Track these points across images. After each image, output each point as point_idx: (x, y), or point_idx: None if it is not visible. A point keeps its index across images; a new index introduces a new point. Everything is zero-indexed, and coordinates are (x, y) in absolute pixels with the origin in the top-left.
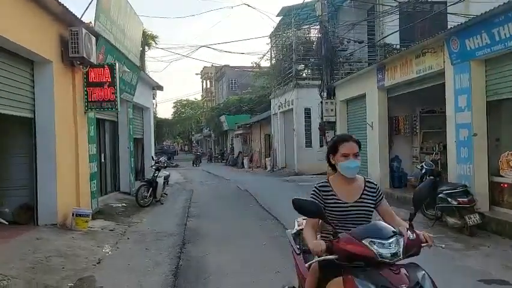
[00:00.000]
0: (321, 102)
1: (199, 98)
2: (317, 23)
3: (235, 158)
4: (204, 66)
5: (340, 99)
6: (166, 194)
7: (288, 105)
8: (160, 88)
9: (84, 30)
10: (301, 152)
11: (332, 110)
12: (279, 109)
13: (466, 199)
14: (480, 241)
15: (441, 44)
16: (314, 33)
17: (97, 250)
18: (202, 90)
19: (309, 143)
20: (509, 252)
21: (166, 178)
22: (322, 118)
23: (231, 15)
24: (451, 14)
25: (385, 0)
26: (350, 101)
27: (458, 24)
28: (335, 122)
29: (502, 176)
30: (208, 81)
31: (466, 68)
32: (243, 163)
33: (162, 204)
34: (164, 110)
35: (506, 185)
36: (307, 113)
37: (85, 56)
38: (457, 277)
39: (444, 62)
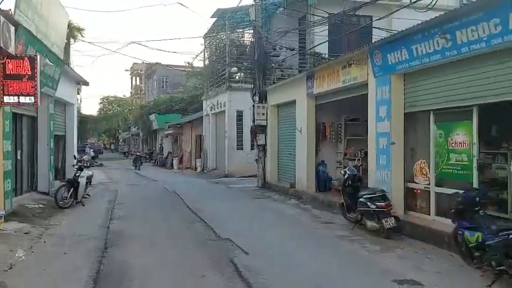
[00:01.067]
0: (253, 105)
1: (128, 95)
2: (251, 28)
3: (164, 158)
4: (134, 63)
5: (271, 104)
6: (89, 195)
7: (221, 107)
8: (86, 83)
9: (2, 18)
10: (233, 154)
11: (263, 114)
12: (211, 110)
13: (383, 203)
14: (395, 243)
15: (365, 57)
16: (248, 37)
17: (9, 254)
18: (131, 87)
19: (240, 146)
20: (420, 254)
21: (89, 178)
22: (254, 121)
23: (165, 13)
24: (375, 28)
25: (316, 10)
26: (281, 106)
27: (381, 39)
28: (266, 126)
29: (415, 183)
30: (137, 78)
31: (387, 81)
32: (172, 164)
33: (84, 205)
34: (91, 106)
35: (419, 191)
36: (240, 115)
37: (1, 45)
38: (373, 277)
39: (368, 74)
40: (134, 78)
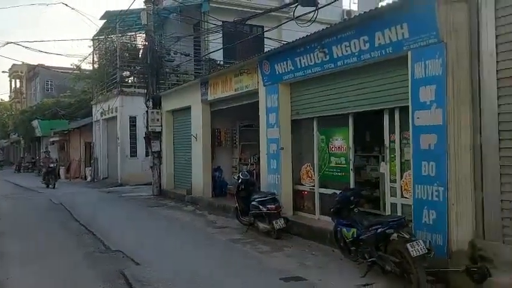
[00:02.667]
0: (147, 111)
1: (6, 99)
2: (143, 31)
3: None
4: (13, 64)
5: (166, 110)
6: None
7: (112, 113)
8: None
9: None
10: (126, 162)
11: (157, 119)
12: (102, 116)
13: (273, 206)
14: (284, 243)
15: (255, 66)
16: (141, 40)
17: None
18: (11, 90)
19: (134, 153)
20: (306, 252)
21: None
22: (148, 128)
23: (48, 12)
24: (266, 38)
25: (209, 18)
26: (176, 111)
27: (269, 50)
28: (161, 132)
29: (302, 185)
30: (18, 80)
31: (275, 90)
32: (59, 173)
33: None
34: None
35: (306, 193)
36: (133, 121)
37: None
38: (262, 277)
39: (258, 82)
40: (14, 80)
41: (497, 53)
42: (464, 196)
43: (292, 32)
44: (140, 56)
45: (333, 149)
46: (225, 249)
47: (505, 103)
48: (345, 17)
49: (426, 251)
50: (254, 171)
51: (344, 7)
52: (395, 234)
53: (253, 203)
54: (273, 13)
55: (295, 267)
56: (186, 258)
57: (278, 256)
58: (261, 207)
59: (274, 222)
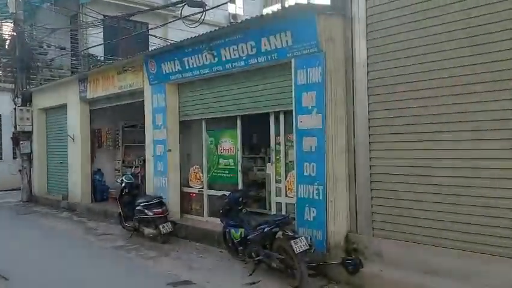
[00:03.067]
0: (15, 109)
1: None
2: (11, 20)
3: None
4: None
5: (39, 107)
6: None
7: None
8: None
9: None
10: None
11: (28, 118)
12: None
13: (160, 210)
14: (171, 247)
15: (141, 64)
16: (8, 30)
17: None
18: None
19: None
20: (194, 254)
21: None
22: (16, 127)
23: None
24: (151, 35)
25: (89, 10)
26: (50, 110)
27: (155, 48)
28: (31, 132)
29: (191, 187)
30: None
31: (162, 90)
32: None
33: None
34: None
35: (194, 195)
36: None
37: None
38: (149, 283)
39: (143, 81)
40: None
41: (368, 64)
42: (341, 194)
43: (178, 32)
44: (7, 47)
45: (221, 150)
46: (107, 257)
47: (374, 110)
48: (231, 20)
49: (308, 247)
50: (139, 174)
51: (230, 11)
52: (280, 232)
53: (138, 207)
54: (158, 11)
55: (183, 271)
56: (64, 270)
57: (165, 261)
58: (146, 211)
59: (160, 226)
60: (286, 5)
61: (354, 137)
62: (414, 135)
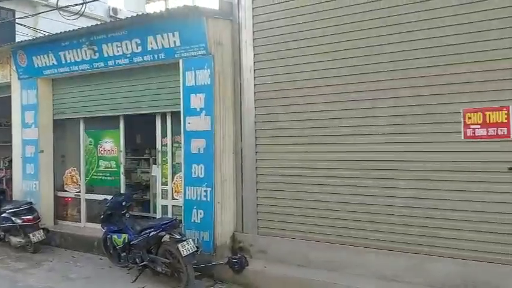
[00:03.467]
0: None
1: None
2: None
3: None
4: None
5: None
6: None
7: None
8: None
9: None
10: None
11: None
12: None
13: (31, 217)
14: (44, 257)
15: (8, 56)
16: None
17: None
18: None
19: None
20: (70, 263)
21: None
22: None
23: None
24: (20, 24)
25: None
26: None
27: (26, 40)
28: None
29: (66, 191)
30: None
31: (34, 85)
32: None
33: None
34: None
35: (70, 199)
36: None
37: None
38: None
39: (11, 75)
40: None
41: (254, 70)
42: (228, 195)
43: (55, 22)
44: None
45: (102, 152)
46: None
47: (260, 113)
48: (112, 14)
49: (196, 249)
50: (4, 177)
51: (109, 4)
52: (167, 236)
53: (4, 214)
54: None
55: (58, 282)
56: None
57: (37, 272)
58: (14, 219)
59: (31, 234)
60: (174, 6)
61: (241, 139)
62: (296, 139)
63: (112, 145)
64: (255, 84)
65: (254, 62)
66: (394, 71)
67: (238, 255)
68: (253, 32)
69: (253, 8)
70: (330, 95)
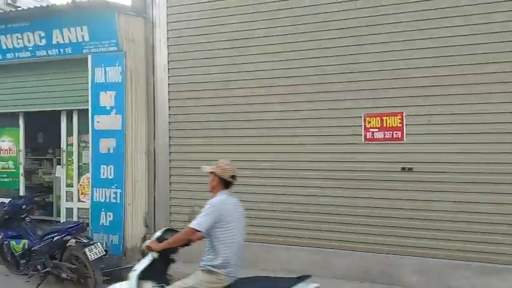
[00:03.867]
0: None
1: None
2: None
3: None
4: None
5: None
6: None
7: None
8: None
9: None
10: None
11: None
12: None
13: None
14: None
15: None
16: None
17: None
18: None
19: None
20: None
21: None
22: None
23: None
24: None
25: None
26: None
27: None
28: None
29: None
30: None
31: None
32: None
33: None
34: None
35: None
36: None
37: None
38: None
39: None
40: None
41: (169, 68)
42: (139, 196)
43: None
44: None
45: None
46: None
47: (174, 113)
48: (9, 1)
49: (104, 253)
50: None
51: None
52: (73, 240)
53: None
54: None
55: None
56: None
57: None
58: None
59: None
60: None
61: (155, 139)
62: (210, 139)
63: (11, 144)
64: (169, 84)
65: (168, 61)
66: (308, 76)
67: None
68: (168, 30)
69: (167, 7)
70: (245, 97)
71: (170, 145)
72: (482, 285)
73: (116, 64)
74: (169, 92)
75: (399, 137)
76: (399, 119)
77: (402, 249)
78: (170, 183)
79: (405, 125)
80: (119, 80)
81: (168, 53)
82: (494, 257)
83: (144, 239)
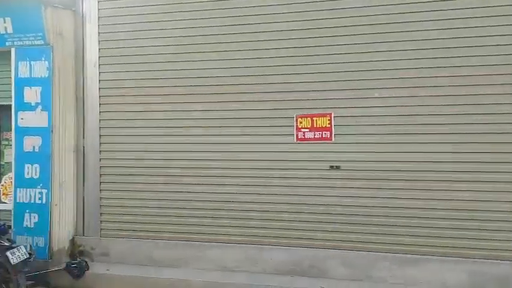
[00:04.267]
0: None
1: None
2: None
3: None
4: None
5: None
6: None
7: None
8: None
9: None
10: None
11: None
12: None
13: None
14: None
15: None
16: None
17: None
18: None
19: None
20: None
21: None
22: None
23: None
24: None
25: None
26: None
27: None
28: None
29: None
30: None
31: None
32: None
33: None
34: None
35: None
36: None
37: None
38: None
39: None
40: None
41: (99, 65)
42: (67, 196)
43: None
44: None
45: None
46: None
47: (105, 111)
48: None
49: (28, 256)
50: None
51: None
52: None
53: None
54: None
55: None
56: None
57: None
58: None
59: None
60: None
61: (84, 137)
62: (141, 138)
63: None
64: (99, 80)
65: (99, 57)
66: (245, 76)
67: (78, 259)
68: (99, 25)
69: (98, 1)
70: (175, 96)
71: (100, 143)
72: (402, 275)
73: (43, 58)
74: (99, 89)
75: (328, 136)
76: (328, 119)
77: (330, 244)
78: (100, 182)
79: (334, 125)
80: (46, 76)
81: (99, 49)
82: (413, 248)
83: (73, 241)
